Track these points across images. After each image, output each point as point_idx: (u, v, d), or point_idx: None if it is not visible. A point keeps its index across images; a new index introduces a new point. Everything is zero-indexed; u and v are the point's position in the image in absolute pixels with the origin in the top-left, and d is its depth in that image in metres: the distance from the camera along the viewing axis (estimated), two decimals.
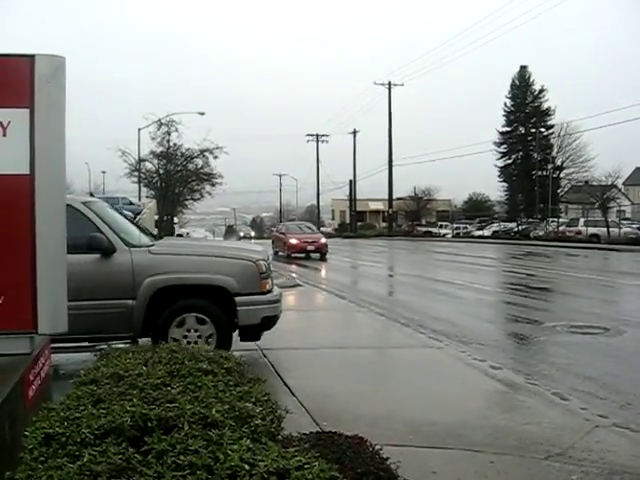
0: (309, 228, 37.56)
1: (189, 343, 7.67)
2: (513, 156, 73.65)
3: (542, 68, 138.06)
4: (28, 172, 4.46)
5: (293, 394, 6.91)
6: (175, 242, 9.61)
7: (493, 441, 5.56)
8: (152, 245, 8.34)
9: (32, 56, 4.53)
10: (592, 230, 44.51)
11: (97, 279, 7.74)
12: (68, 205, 7.59)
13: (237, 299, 8.01)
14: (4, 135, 4.46)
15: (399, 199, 70.40)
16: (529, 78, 72.89)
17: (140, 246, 8.09)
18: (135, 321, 7.79)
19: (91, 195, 10.48)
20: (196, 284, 8.03)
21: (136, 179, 49.70)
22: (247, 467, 2.45)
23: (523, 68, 73.42)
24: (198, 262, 8.21)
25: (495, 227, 61.01)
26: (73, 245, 7.31)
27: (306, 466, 2.55)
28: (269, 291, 8.40)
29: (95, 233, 7.78)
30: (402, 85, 60.56)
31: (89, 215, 7.98)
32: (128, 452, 2.57)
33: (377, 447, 4.38)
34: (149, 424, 2.83)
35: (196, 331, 7.94)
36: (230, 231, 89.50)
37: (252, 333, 8.37)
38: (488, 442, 5.53)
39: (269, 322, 8.39)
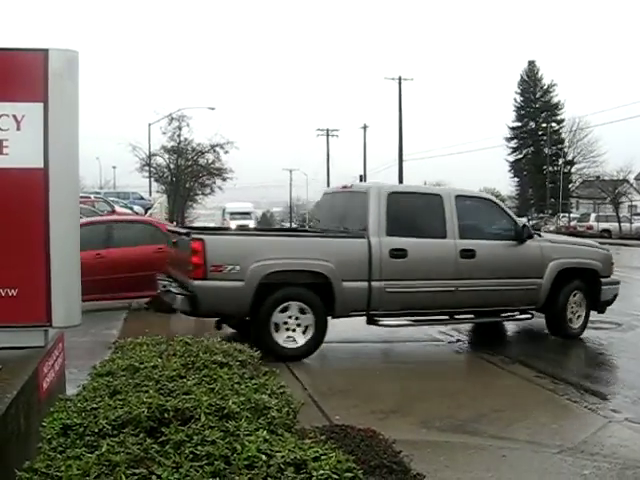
0: None
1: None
2: (524, 151, 73.28)
3: (551, 62, 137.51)
4: (42, 166, 4.48)
5: (305, 388, 6.92)
6: (552, 236, 12.14)
7: (505, 435, 5.56)
8: (541, 236, 10.25)
9: (45, 50, 4.53)
10: (603, 225, 44.32)
11: (517, 262, 9.29)
12: (488, 200, 10.13)
13: (602, 280, 9.93)
14: (18, 129, 4.47)
15: None
16: (538, 73, 72.50)
17: (538, 236, 9.89)
18: (541, 296, 9.41)
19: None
20: (581, 267, 9.81)
21: (147, 174, 49.75)
22: (264, 458, 2.46)
23: (531, 63, 73.05)
24: (581, 250, 10.20)
25: None
26: (496, 233, 9.58)
27: (323, 457, 2.55)
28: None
29: (517, 224, 9.49)
30: (412, 80, 59.98)
31: (505, 209, 9.96)
32: (146, 442, 2.58)
33: (390, 440, 4.39)
34: (166, 415, 2.84)
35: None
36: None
37: (604, 308, 10.20)
38: (500, 436, 5.53)
39: (613, 300, 10.23)
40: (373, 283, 8.38)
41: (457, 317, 9.39)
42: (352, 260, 8.38)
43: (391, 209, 8.64)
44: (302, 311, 8.18)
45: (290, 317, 8.14)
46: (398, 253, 8.45)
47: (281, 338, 8.10)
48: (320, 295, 8.24)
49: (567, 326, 9.74)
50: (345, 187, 10.33)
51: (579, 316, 9.81)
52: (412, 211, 9.15)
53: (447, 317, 9.28)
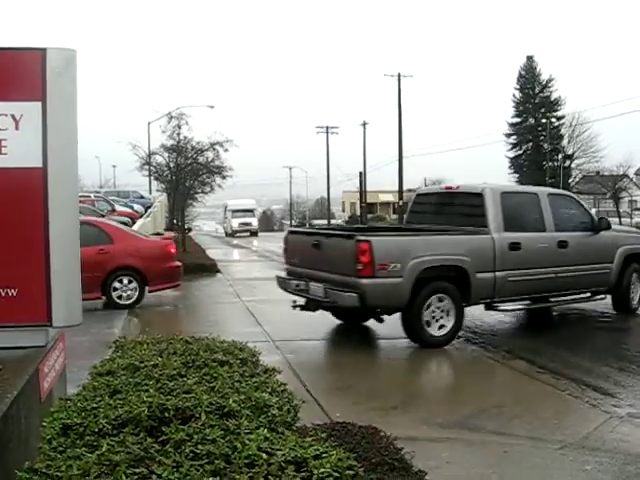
0: None
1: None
2: (523, 147, 73.17)
3: (550, 57, 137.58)
4: (41, 165, 4.46)
5: (305, 385, 6.92)
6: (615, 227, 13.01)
7: (507, 431, 5.56)
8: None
9: (43, 49, 4.51)
10: None
11: (596, 249, 10.78)
12: (570, 196, 11.93)
13: None
14: (17, 129, 4.45)
15: (410, 190, 69.75)
16: (536, 68, 72.31)
17: (609, 228, 11.21)
18: (612, 279, 11.00)
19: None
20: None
21: (146, 172, 49.56)
22: (265, 456, 2.45)
23: (530, 58, 72.85)
24: (638, 237, 11.95)
25: None
26: (577, 225, 10.92)
27: (324, 455, 2.54)
28: None
29: (593, 217, 11.17)
30: (412, 76, 59.83)
31: (583, 204, 11.53)
32: (146, 442, 2.57)
33: (391, 437, 4.39)
34: (166, 414, 2.83)
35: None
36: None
37: None
38: (502, 432, 5.53)
39: None
40: (497, 273, 9.50)
41: (551, 300, 11.16)
42: (482, 254, 9.44)
43: (504, 207, 9.80)
44: (442, 300, 9.10)
45: (438, 308, 9.06)
46: (515, 246, 9.67)
47: (431, 328, 8.99)
48: (457, 287, 9.23)
49: (630, 303, 11.46)
50: (449, 188, 11.38)
51: (637, 294, 11.57)
52: (518, 208, 10.36)
53: (545, 300, 11.03)
